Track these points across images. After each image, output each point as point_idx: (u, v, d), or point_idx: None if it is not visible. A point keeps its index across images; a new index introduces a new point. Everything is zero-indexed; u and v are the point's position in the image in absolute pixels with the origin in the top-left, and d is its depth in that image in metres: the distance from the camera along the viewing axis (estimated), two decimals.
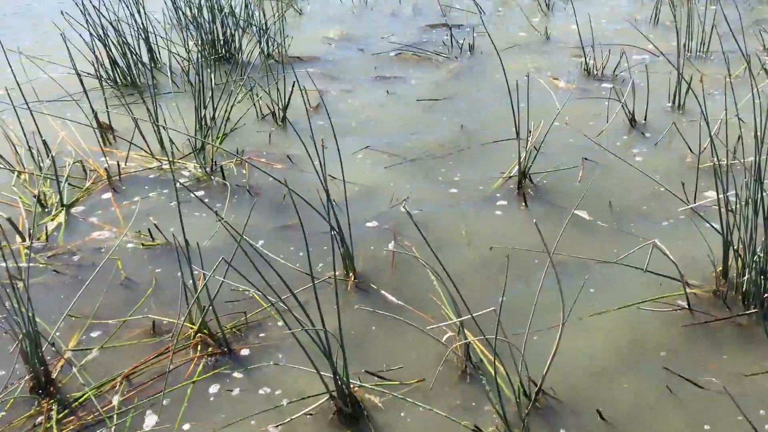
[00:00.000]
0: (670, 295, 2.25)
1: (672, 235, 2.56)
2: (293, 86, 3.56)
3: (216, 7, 4.51)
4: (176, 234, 2.70)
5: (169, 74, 4.10)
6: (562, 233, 2.59)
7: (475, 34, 4.65)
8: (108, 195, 3.01)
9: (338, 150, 2.25)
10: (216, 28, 4.36)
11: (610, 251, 2.49)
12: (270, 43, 4.58)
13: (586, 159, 3.08)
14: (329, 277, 2.40)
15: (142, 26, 4.33)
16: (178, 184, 3.06)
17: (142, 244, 2.65)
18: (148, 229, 2.68)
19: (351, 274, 2.40)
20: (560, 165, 3.05)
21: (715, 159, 2.30)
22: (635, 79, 3.88)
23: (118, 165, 3.10)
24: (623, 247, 2.50)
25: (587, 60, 3.96)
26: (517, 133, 2.83)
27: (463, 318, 2.03)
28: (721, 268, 2.31)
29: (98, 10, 4.00)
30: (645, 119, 3.42)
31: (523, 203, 2.79)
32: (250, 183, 3.06)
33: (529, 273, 2.39)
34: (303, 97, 3.08)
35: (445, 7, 5.38)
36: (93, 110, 3.42)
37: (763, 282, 2.13)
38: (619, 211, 2.72)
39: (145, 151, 2.78)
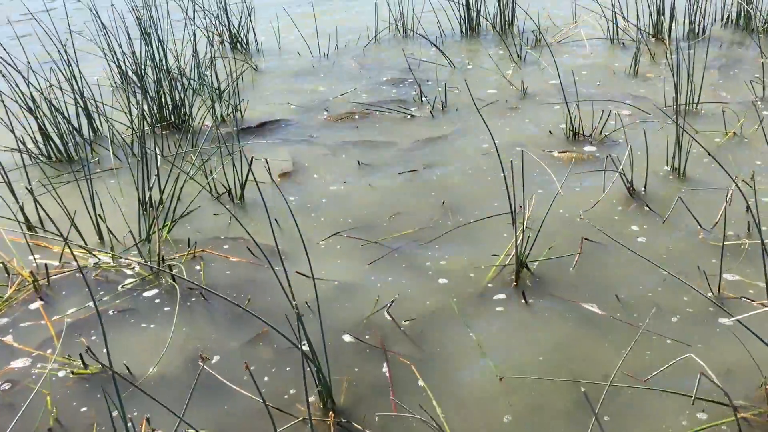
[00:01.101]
0: (715, 423, 1.88)
1: (697, 337, 2.20)
2: (251, 161, 3.16)
3: (163, 68, 4.09)
4: (118, 356, 2.24)
5: (110, 147, 3.65)
6: (572, 338, 2.21)
7: (446, 90, 4.32)
8: (36, 305, 2.54)
9: (302, 240, 1.84)
10: (163, 91, 3.94)
11: (631, 358, 2.11)
12: (224, 108, 4.17)
13: (586, 239, 2.73)
14: (304, 417, 1.97)
15: (79, 92, 3.89)
16: (120, 288, 2.61)
17: (72, 372, 2.19)
18: (80, 354, 2.22)
19: (330, 411, 1.97)
20: (555, 245, 2.69)
21: (761, 245, 1.96)
22: (625, 142, 3.58)
23: (46, 267, 2.64)
24: (646, 351, 2.13)
25: (572, 120, 3.65)
26: (513, 219, 2.46)
27: None
28: None
29: (27, 80, 3.56)
30: (644, 189, 3.10)
31: (523, 299, 2.42)
32: (205, 283, 2.62)
33: (548, 396, 2.00)
34: (266, 169, 2.68)
35: (411, 59, 5.06)
36: (15, 195, 2.96)
37: None
38: (632, 304, 2.36)
39: (82, 246, 2.36)
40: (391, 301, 2.43)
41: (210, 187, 3.29)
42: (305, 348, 2.20)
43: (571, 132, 3.68)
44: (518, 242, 2.50)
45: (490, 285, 2.52)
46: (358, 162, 3.54)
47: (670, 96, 4.07)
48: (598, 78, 4.56)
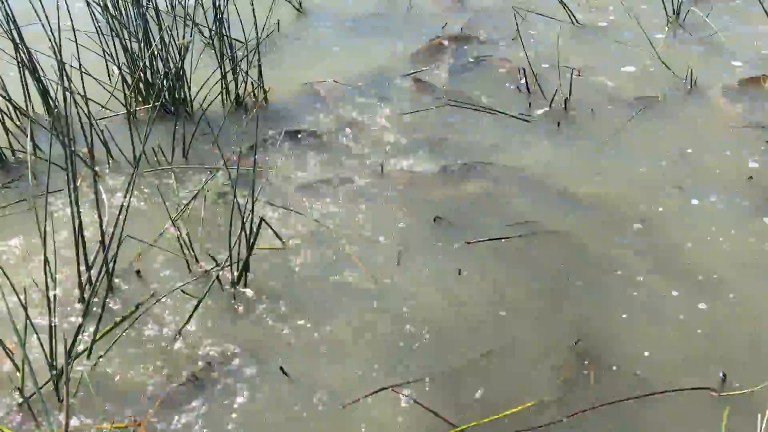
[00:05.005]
0: None
1: None
2: (260, 224, 1.87)
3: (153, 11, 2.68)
4: None
5: (50, 150, 2.33)
6: None
7: (571, 79, 2.83)
8: None
9: None
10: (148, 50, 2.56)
11: None
12: (242, 82, 2.77)
13: None
14: None
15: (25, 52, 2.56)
16: None
17: None
18: None
19: None
20: None
21: None
22: None
23: None
24: None
25: None
26: None
27: None
28: None
29: None
30: None
31: None
32: None
33: None
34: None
35: (519, 10, 3.48)
36: None
37: None
38: None
39: None
40: None
41: (187, 255, 2.00)
42: None
43: None
44: None
45: None
46: (435, 218, 2.17)
47: None
48: None
